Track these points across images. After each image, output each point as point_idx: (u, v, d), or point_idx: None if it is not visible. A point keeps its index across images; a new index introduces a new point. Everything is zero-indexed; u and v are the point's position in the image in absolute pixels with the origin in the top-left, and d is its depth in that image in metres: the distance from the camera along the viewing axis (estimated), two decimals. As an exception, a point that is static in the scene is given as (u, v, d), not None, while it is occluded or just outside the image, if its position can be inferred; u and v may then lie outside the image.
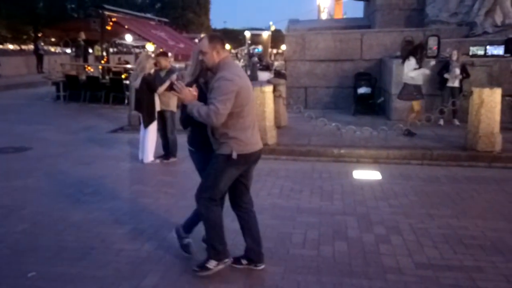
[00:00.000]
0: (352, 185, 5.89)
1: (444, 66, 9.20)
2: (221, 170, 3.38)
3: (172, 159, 7.08)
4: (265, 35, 40.05)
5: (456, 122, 9.19)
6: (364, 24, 14.14)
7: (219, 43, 3.37)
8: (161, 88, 6.76)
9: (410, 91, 8.04)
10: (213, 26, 58.64)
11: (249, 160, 3.45)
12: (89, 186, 5.80)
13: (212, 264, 3.49)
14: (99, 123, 10.55)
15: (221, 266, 3.51)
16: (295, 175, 6.37)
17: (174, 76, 6.84)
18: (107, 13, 14.47)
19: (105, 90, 13.47)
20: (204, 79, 3.49)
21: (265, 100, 7.71)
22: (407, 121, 8.20)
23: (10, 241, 4.13)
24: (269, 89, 7.88)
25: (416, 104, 8.16)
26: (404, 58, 8.22)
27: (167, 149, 7.16)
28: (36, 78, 19.90)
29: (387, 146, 7.45)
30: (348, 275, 3.53)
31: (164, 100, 6.96)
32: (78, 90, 13.84)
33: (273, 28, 58.17)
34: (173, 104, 7.05)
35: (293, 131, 8.84)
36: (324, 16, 35.81)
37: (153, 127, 6.95)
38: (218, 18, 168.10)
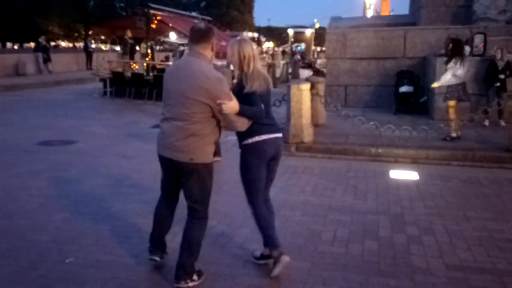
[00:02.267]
0: (387, 185, 5.81)
1: (490, 64, 8.87)
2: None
3: (217, 158, 7.17)
4: (308, 32, 39.80)
5: (502, 122, 8.83)
6: (409, 21, 13.84)
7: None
8: None
9: (454, 91, 7.65)
10: (256, 24, 58.92)
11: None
12: (128, 179, 6.01)
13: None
14: (142, 119, 10.88)
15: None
16: (330, 173, 6.35)
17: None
18: (152, 11, 14.87)
19: (149, 87, 13.86)
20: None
21: (302, 97, 7.71)
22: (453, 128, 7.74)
23: (51, 228, 4.36)
24: (306, 87, 7.87)
25: (452, 112, 7.65)
26: (450, 58, 7.78)
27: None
28: (85, 75, 20.75)
29: (427, 146, 7.27)
30: (376, 274, 3.51)
31: None
32: (124, 86, 14.32)
33: (317, 25, 57.74)
34: None
35: (330, 129, 8.79)
36: (370, 13, 35.17)
37: None
38: (262, 16, 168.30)
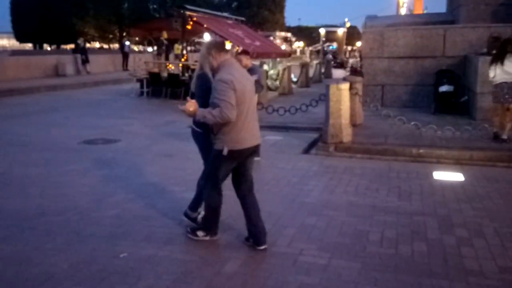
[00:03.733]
0: (432, 186, 5.73)
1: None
2: (218, 163, 3.83)
3: (256, 159, 7.22)
4: (340, 32, 39.53)
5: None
6: (447, 20, 13.53)
7: (213, 49, 3.78)
8: None
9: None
10: (287, 24, 58.78)
11: (242, 154, 3.82)
12: (172, 177, 6.14)
13: (201, 234, 4.11)
14: (179, 118, 11.01)
15: (206, 238, 4.10)
16: (371, 174, 6.31)
17: (254, 77, 7.00)
18: (188, 13, 15.05)
19: (184, 87, 14.06)
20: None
21: (341, 97, 7.66)
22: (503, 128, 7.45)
23: (104, 224, 4.50)
24: (345, 86, 7.82)
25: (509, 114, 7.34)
26: (498, 56, 7.50)
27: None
28: (122, 75, 21.22)
29: (471, 147, 7.12)
30: (428, 275, 3.48)
31: None
32: (160, 87, 14.59)
33: (348, 24, 57.18)
34: None
35: (369, 129, 8.72)
36: (403, 11, 34.60)
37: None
38: (293, 15, 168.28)
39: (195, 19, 15.25)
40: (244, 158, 3.88)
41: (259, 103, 9.40)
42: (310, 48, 43.78)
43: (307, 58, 28.60)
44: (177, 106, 3.83)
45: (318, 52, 32.79)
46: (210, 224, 4.11)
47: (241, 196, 4.03)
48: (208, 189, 4.01)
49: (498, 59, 7.29)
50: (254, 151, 3.94)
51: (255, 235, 3.98)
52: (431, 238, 4.17)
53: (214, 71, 3.79)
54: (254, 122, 3.89)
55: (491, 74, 7.35)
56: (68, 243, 4.06)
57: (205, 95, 3.81)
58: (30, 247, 3.96)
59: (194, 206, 4.44)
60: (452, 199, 5.22)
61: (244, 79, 3.76)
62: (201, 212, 4.38)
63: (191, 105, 3.68)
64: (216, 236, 4.14)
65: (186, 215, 4.48)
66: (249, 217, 4.01)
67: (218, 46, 3.85)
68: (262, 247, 3.93)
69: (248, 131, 3.78)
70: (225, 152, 3.70)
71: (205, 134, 3.99)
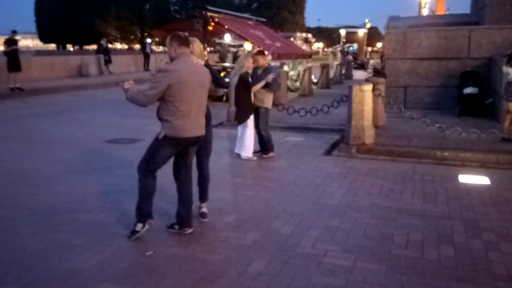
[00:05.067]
0: (457, 189, 5.64)
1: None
2: (156, 147, 4.06)
3: (270, 154, 7.28)
4: (361, 32, 39.25)
5: None
6: (471, 21, 13.33)
7: (176, 41, 4.03)
8: (256, 87, 7.00)
9: None
10: (307, 25, 58.63)
11: (180, 143, 4.07)
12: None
13: (139, 226, 4.14)
14: (200, 118, 11.12)
15: (146, 227, 4.16)
16: (394, 176, 6.25)
17: (270, 76, 7.04)
18: (209, 14, 15.13)
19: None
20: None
21: (364, 99, 7.60)
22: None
23: (129, 222, 4.52)
24: (368, 88, 7.77)
25: None
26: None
27: (263, 145, 7.38)
28: (144, 76, 21.43)
29: (497, 150, 6.99)
30: (456, 279, 3.43)
31: (260, 97, 7.16)
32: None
33: (368, 25, 56.75)
34: (267, 101, 7.25)
35: (391, 131, 8.64)
36: (425, 12, 34.19)
37: (251, 123, 7.17)
38: (313, 16, 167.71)
39: (216, 20, 15.34)
40: (184, 147, 4.14)
41: (279, 104, 9.42)
42: (330, 49, 43.51)
43: (335, 60, 28.32)
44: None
45: (334, 54, 32.61)
46: (143, 207, 4.17)
47: (181, 183, 4.37)
48: (142, 172, 4.15)
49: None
50: (195, 141, 4.20)
51: (185, 219, 4.28)
52: (458, 242, 4.11)
53: (171, 61, 4.09)
54: (200, 115, 4.14)
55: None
56: (95, 240, 4.13)
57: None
58: (59, 244, 4.04)
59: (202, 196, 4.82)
60: (478, 203, 5.13)
61: (192, 72, 4.01)
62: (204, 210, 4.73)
63: (128, 83, 4.05)
64: (152, 219, 4.24)
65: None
66: (182, 202, 4.32)
67: (179, 39, 4.06)
68: (189, 231, 4.27)
69: (189, 121, 4.02)
70: (160, 136, 3.98)
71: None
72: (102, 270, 3.57)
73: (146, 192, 4.18)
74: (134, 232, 4.15)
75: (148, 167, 4.13)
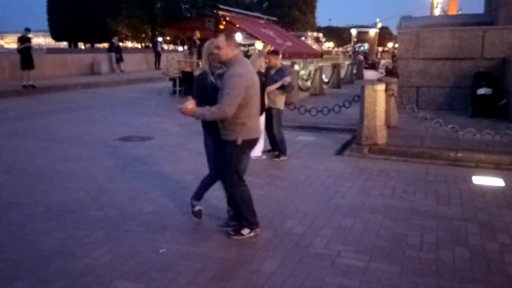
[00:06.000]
0: (471, 191, 5.58)
1: None
2: (238, 154, 3.96)
3: (283, 158, 7.20)
4: (372, 32, 38.99)
5: None
6: (485, 21, 13.20)
7: (234, 41, 3.92)
8: (271, 87, 6.96)
9: None
10: (318, 24, 58.46)
11: (253, 144, 4.09)
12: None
13: (246, 231, 4.13)
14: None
15: (252, 234, 4.13)
16: (407, 177, 6.20)
17: (287, 79, 7.00)
18: (221, 12, 15.16)
19: (216, 86, 14.15)
20: (217, 72, 4.07)
21: (377, 99, 7.55)
22: None
23: (142, 220, 4.58)
24: (381, 87, 7.72)
25: None
26: None
27: (274, 145, 7.34)
28: (155, 74, 21.56)
29: (511, 152, 6.91)
30: (471, 282, 3.40)
31: (272, 98, 7.10)
32: (192, 86, 14.69)
33: (379, 25, 56.40)
34: (280, 102, 7.19)
35: (403, 131, 8.57)
36: (437, 12, 33.89)
37: (261, 122, 7.13)
38: (323, 16, 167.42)
39: (228, 19, 15.35)
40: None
41: (290, 103, 9.39)
42: (341, 48, 43.34)
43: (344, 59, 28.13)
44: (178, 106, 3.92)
45: (344, 53, 32.41)
46: (250, 217, 4.15)
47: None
48: (235, 185, 4.07)
49: None
50: (256, 142, 4.19)
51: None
52: (473, 243, 4.07)
53: (225, 63, 3.92)
54: (258, 116, 4.16)
55: None
56: (109, 237, 4.15)
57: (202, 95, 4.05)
58: (72, 240, 4.07)
59: (198, 196, 4.57)
60: (493, 205, 5.08)
61: (253, 73, 4.00)
62: (230, 211, 4.40)
63: (190, 103, 3.80)
64: (258, 228, 4.21)
65: (191, 203, 4.58)
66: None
67: (234, 40, 4.01)
68: (259, 231, 4.23)
69: (257, 121, 4.10)
70: (239, 141, 3.88)
71: (213, 136, 4.17)
72: (115, 267, 3.59)
73: (248, 200, 4.14)
74: (239, 234, 4.13)
75: (239, 177, 4.08)
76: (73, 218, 4.60)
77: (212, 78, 4.07)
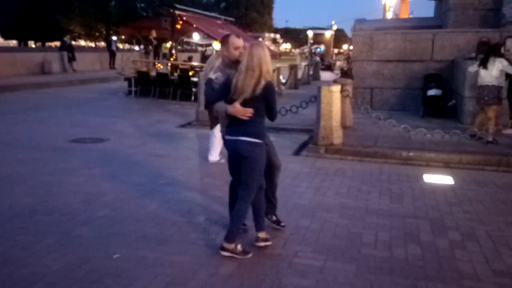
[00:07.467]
0: (422, 189, 5.77)
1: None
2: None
3: None
4: (328, 34, 39.71)
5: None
6: (435, 24, 13.69)
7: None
8: None
9: (495, 95, 7.59)
10: (275, 25, 58.93)
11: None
12: (162, 177, 6.07)
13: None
14: (168, 118, 10.98)
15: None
16: (362, 176, 6.33)
17: None
18: (177, 12, 14.98)
19: (173, 87, 13.97)
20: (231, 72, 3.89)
21: (333, 99, 7.67)
22: (486, 130, 7.68)
23: (95, 225, 4.42)
24: (336, 88, 7.84)
25: (492, 111, 7.67)
26: (486, 59, 7.73)
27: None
28: (109, 74, 21.00)
29: (460, 151, 7.20)
30: (423, 278, 3.49)
31: None
32: (149, 86, 14.47)
33: (335, 27, 57.49)
34: None
35: (358, 132, 8.76)
36: (389, 15, 34.90)
37: (218, 127, 7.07)
38: (280, 17, 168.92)
39: (185, 18, 15.20)
40: None
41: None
42: (298, 50, 43.80)
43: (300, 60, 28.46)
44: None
45: (301, 54, 32.84)
46: (262, 222, 4.05)
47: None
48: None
49: (483, 62, 7.57)
50: None
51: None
52: (425, 240, 4.19)
53: (230, 62, 3.96)
54: None
55: (478, 77, 7.63)
56: (59, 243, 3.98)
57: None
58: (21, 247, 3.87)
59: (232, 236, 3.83)
60: (443, 202, 5.26)
61: None
62: (273, 217, 4.43)
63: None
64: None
65: (223, 248, 3.82)
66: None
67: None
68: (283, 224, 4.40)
69: None
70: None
71: (264, 145, 3.83)
72: (67, 274, 3.44)
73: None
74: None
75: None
76: (22, 224, 4.39)
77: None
